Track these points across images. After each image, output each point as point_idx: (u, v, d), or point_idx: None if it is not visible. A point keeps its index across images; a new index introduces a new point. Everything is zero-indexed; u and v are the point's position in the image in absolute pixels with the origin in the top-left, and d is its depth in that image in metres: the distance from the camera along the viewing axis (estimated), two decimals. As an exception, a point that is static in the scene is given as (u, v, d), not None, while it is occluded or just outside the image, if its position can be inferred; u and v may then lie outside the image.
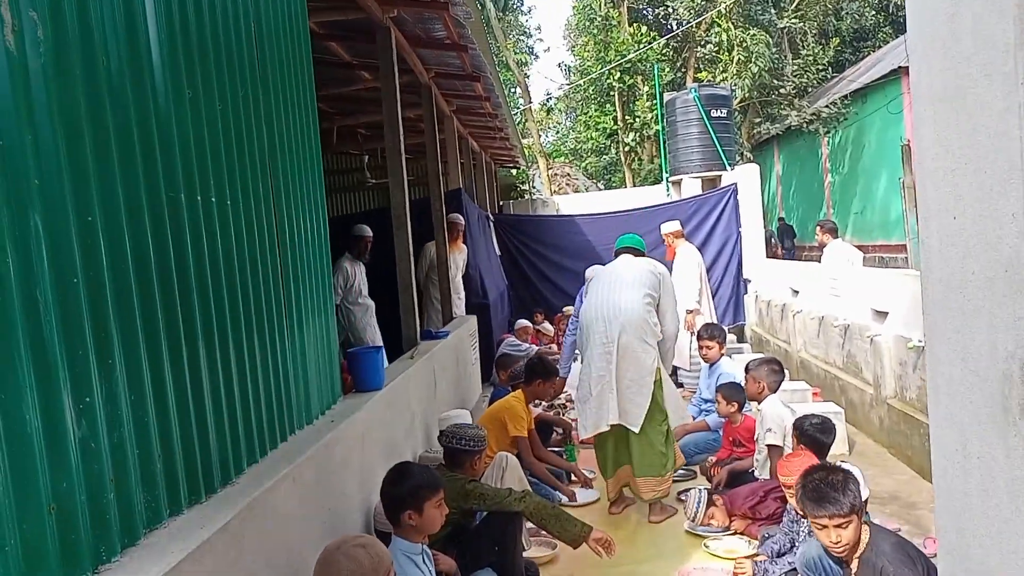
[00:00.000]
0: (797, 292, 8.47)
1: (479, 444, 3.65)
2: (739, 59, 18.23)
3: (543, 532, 3.63)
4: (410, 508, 2.74)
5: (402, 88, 5.58)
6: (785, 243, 20.19)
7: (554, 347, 9.02)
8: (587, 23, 21.47)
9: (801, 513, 3.13)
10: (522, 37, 28.33)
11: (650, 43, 19.44)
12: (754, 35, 18.14)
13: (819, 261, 8.36)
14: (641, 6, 22.49)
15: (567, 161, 26.40)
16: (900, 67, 15.47)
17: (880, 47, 22.67)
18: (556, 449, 5.51)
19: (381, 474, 2.95)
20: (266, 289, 2.77)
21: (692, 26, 19.76)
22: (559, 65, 42.99)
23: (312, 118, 3.45)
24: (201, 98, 2.35)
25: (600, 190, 22.71)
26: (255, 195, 2.71)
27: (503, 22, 24.45)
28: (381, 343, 6.41)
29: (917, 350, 5.08)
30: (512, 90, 23.96)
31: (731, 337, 9.09)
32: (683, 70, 21.08)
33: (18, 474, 1.51)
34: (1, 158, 1.52)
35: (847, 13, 23.26)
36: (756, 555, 3.76)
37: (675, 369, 7.35)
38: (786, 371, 4.98)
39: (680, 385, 7.28)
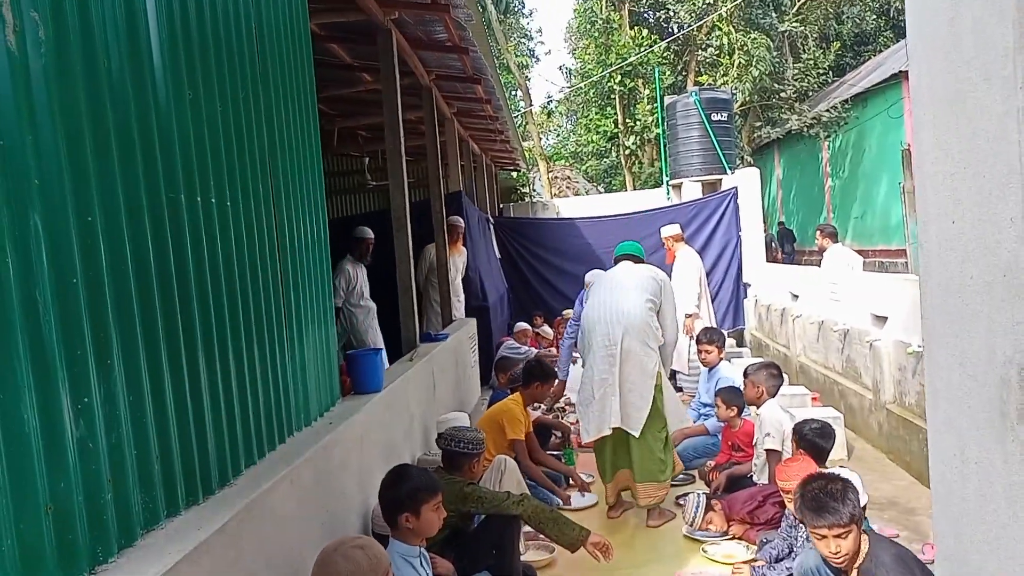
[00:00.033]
0: (797, 296, 8.47)
1: (477, 447, 3.65)
2: (740, 63, 18.26)
3: (541, 536, 3.63)
4: (407, 511, 2.74)
5: (403, 90, 5.59)
6: (785, 247, 20.19)
7: (553, 350, 9.01)
8: (588, 26, 21.49)
9: (800, 520, 3.13)
10: (523, 40, 28.35)
11: (651, 46, 19.46)
12: (755, 39, 18.16)
13: (819, 265, 8.36)
14: (642, 9, 22.50)
15: (567, 164, 26.41)
16: (901, 71, 15.48)
17: (881, 51, 22.70)
18: (555, 453, 5.50)
19: (379, 476, 2.95)
20: (265, 290, 2.77)
21: (693, 29, 19.78)
22: (560, 68, 43.15)
23: (312, 119, 3.46)
24: (202, 98, 2.35)
25: (600, 193, 22.71)
26: (255, 196, 2.72)
27: (504, 24, 24.48)
28: (383, 345, 6.41)
29: (916, 355, 5.08)
30: (513, 93, 23.97)
31: (731, 341, 9.09)
32: (684, 73, 21.11)
33: (15, 474, 1.50)
34: (2, 158, 1.52)
35: (848, 17, 23.28)
36: (754, 560, 3.76)
37: (673, 373, 7.34)
38: (785, 375, 4.98)
39: (679, 389, 7.28)
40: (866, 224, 18.25)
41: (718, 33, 18.59)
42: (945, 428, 1.41)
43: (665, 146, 13.48)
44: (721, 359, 5.80)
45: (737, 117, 17.61)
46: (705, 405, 5.75)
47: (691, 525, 4.21)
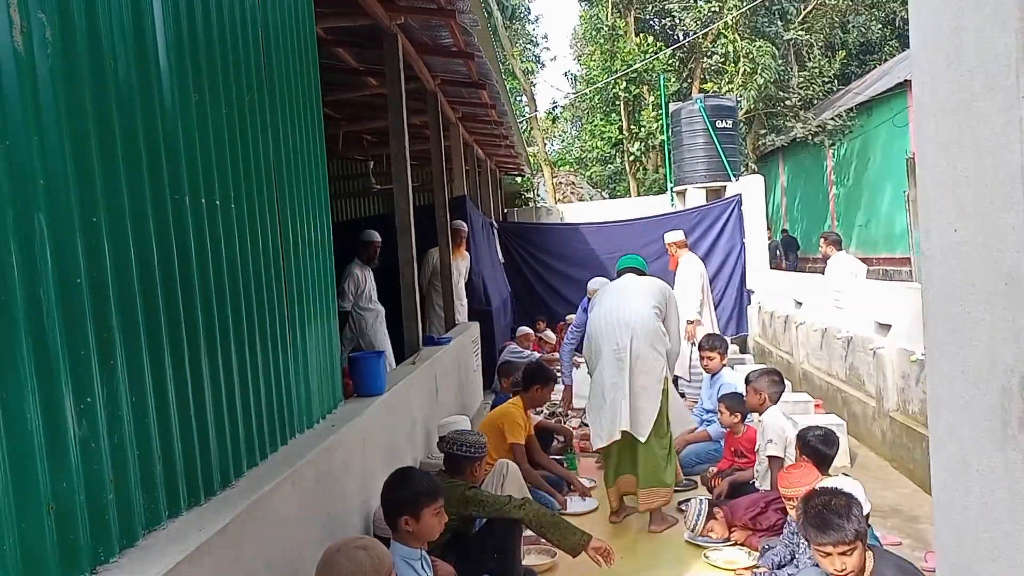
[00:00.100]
0: (800, 304, 8.46)
1: (479, 451, 3.64)
2: (745, 70, 18.26)
3: (542, 540, 3.62)
4: (407, 514, 2.74)
5: (408, 95, 5.60)
6: (789, 255, 20.16)
7: (556, 355, 9.01)
8: (594, 32, 21.50)
9: (804, 537, 3.10)
10: (529, 45, 28.37)
11: (656, 53, 19.44)
12: (760, 47, 18.16)
13: (823, 273, 8.35)
14: (648, 16, 22.53)
15: (572, 170, 26.42)
16: (906, 80, 15.45)
17: (886, 60, 22.68)
18: (557, 457, 5.49)
19: (382, 479, 2.95)
20: (268, 292, 2.78)
21: (698, 37, 19.79)
22: (565, 74, 43.15)
23: (318, 123, 3.47)
24: (207, 101, 2.36)
25: (605, 199, 22.72)
26: (259, 198, 2.72)
27: (510, 30, 24.53)
28: (391, 349, 6.43)
29: (920, 363, 5.07)
30: (518, 98, 24.01)
31: (734, 348, 9.08)
32: (689, 81, 21.10)
33: (18, 473, 1.51)
34: (7, 158, 1.52)
35: (854, 26, 23.28)
36: (756, 567, 3.75)
37: (676, 379, 7.33)
38: (788, 382, 4.97)
39: (681, 395, 7.26)
40: (870, 232, 18.22)
41: (723, 41, 18.60)
42: (947, 436, 1.41)
43: (669, 153, 13.48)
44: (724, 365, 5.78)
45: (742, 124, 17.60)
46: (707, 411, 5.74)
47: (693, 531, 4.20)
